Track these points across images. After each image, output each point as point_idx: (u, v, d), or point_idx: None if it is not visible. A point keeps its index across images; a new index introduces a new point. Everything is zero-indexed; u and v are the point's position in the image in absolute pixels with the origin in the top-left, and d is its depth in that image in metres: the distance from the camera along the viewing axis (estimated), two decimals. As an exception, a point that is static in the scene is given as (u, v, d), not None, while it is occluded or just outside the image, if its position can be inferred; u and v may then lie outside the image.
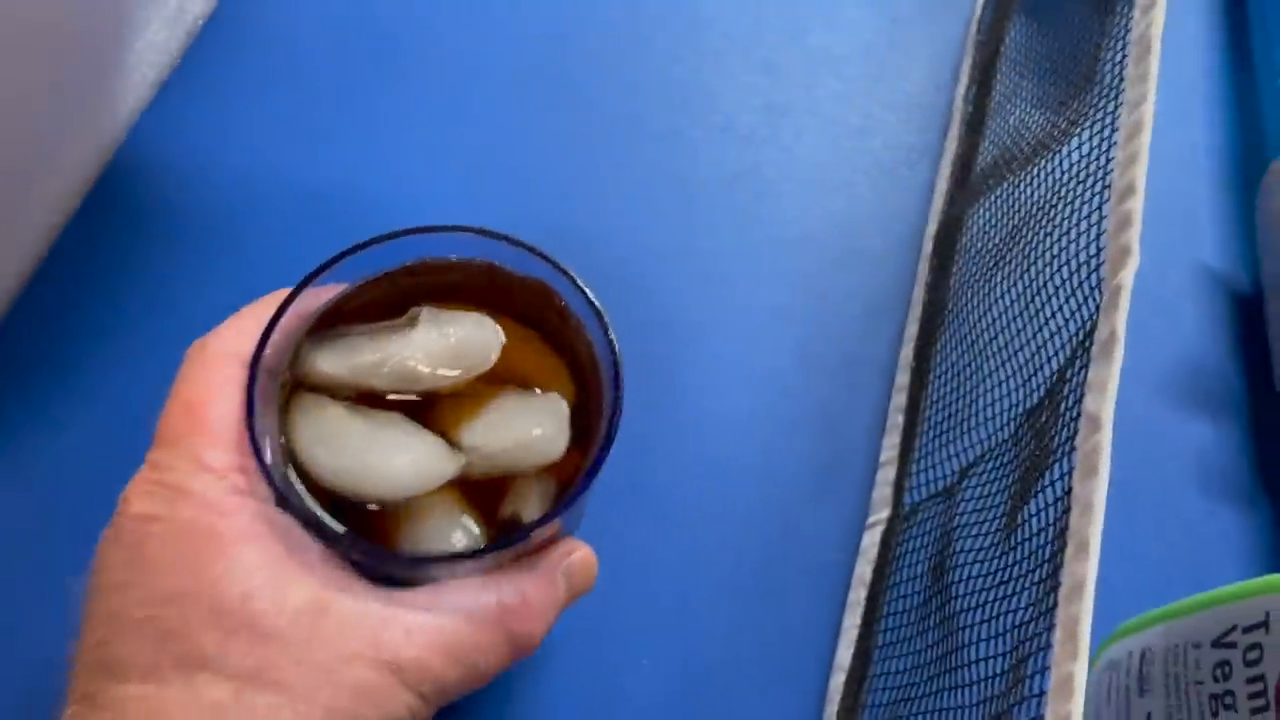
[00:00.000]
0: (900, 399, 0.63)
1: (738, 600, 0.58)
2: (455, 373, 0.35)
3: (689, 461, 0.62)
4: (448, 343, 0.35)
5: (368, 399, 0.35)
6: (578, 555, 0.37)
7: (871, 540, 0.59)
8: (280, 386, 0.34)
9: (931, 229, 0.70)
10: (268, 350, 0.33)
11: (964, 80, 0.77)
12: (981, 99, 0.73)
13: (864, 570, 0.58)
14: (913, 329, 0.66)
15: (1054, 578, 0.38)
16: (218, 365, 0.33)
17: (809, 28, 0.81)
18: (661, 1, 0.81)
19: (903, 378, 0.64)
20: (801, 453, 0.63)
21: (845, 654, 0.55)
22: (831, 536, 0.61)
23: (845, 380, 0.66)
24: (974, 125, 0.72)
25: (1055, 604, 0.37)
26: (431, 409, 0.35)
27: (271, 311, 0.34)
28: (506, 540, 0.32)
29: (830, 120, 0.77)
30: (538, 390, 0.36)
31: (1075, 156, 0.51)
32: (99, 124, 0.68)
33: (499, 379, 0.36)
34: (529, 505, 0.34)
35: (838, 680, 0.55)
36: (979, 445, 0.55)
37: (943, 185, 0.72)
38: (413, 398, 0.35)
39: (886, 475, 0.61)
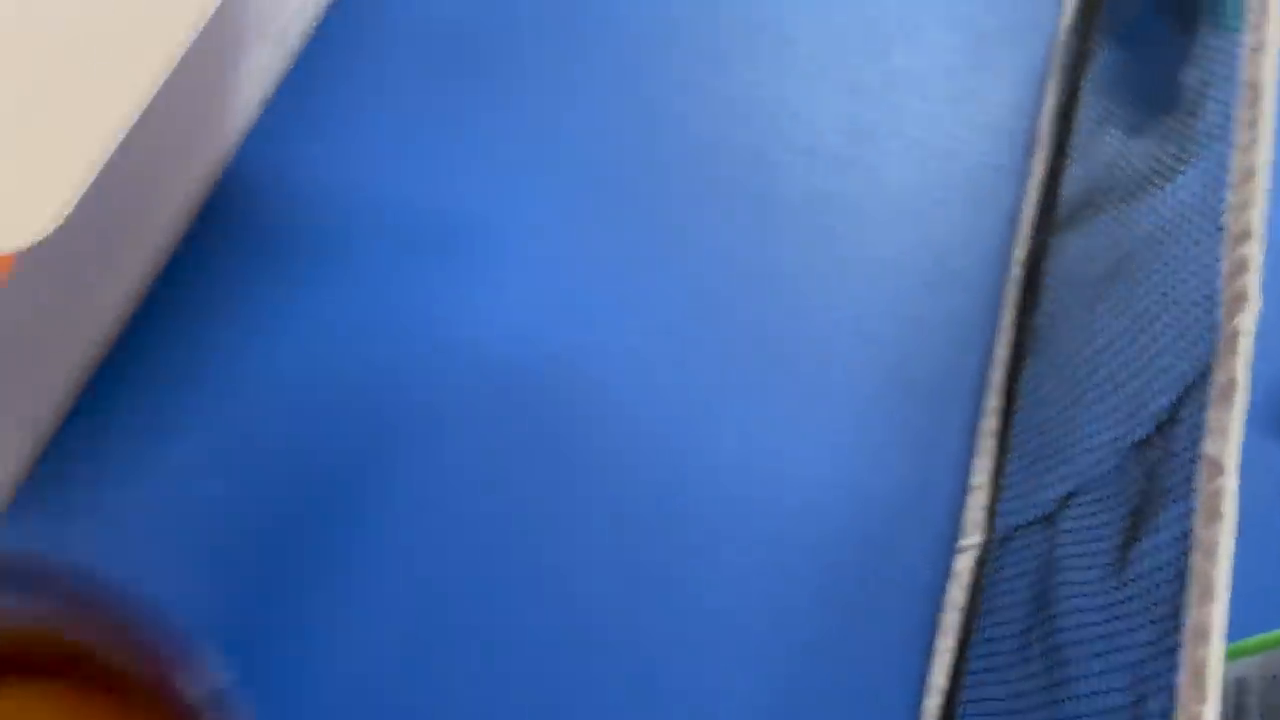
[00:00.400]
0: (991, 422, 0.64)
1: (825, 619, 0.59)
2: None
3: (773, 482, 0.63)
4: None
5: None
6: None
7: (965, 564, 0.60)
8: None
9: (1019, 254, 0.71)
10: None
11: (1049, 103, 0.78)
12: (1067, 123, 0.73)
13: (957, 594, 0.59)
14: (1001, 353, 0.67)
15: (1175, 618, 0.39)
16: None
17: (891, 49, 0.82)
18: (745, 24, 0.82)
19: (992, 401, 0.65)
20: (887, 474, 0.64)
21: (940, 677, 0.56)
22: (921, 558, 0.62)
23: (930, 402, 0.67)
24: (1060, 149, 0.73)
25: (1178, 645, 0.38)
26: None
27: None
28: None
29: (914, 141, 0.78)
30: None
31: (1183, 195, 0.51)
32: (209, 144, 0.71)
33: None
34: None
35: (933, 702, 0.56)
36: (1078, 475, 0.55)
37: (1029, 210, 0.72)
38: None
39: (978, 499, 0.62)
